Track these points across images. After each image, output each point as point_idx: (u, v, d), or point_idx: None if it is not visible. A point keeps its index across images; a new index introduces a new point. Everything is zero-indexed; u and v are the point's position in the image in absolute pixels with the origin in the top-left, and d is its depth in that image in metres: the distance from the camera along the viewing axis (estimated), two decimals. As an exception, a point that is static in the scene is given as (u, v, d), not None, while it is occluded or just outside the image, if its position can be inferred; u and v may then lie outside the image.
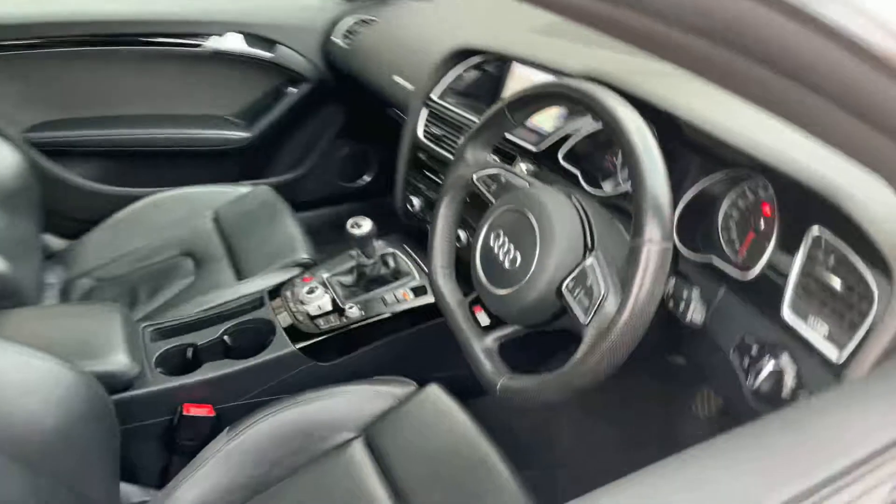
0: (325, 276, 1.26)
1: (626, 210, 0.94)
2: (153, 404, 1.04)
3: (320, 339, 1.15)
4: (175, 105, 1.80)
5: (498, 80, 1.26)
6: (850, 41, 0.39)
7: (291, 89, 1.87)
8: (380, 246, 1.24)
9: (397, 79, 1.48)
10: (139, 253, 1.53)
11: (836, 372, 0.65)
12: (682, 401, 1.34)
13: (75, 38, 1.61)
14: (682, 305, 0.78)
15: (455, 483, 0.95)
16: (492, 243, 0.84)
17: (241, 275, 1.41)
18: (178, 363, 1.12)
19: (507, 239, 0.82)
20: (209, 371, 1.08)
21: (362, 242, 1.17)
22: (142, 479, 1.06)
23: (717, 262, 0.81)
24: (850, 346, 0.65)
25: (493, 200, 0.89)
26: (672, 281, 0.80)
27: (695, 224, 0.87)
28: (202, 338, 1.15)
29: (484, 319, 0.89)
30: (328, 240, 1.58)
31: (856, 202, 0.66)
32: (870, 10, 0.39)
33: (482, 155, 0.94)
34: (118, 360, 1.00)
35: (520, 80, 1.21)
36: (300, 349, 1.14)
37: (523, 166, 1.08)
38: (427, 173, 1.33)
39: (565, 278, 0.75)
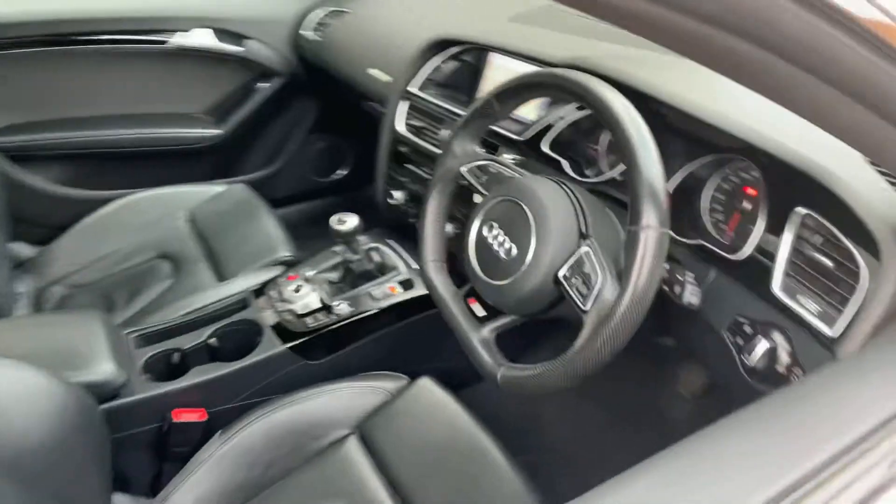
0: (311, 273, 1.25)
1: (612, 196, 0.95)
2: (142, 412, 1.02)
3: (309, 337, 1.14)
4: (143, 104, 1.75)
5: (477, 71, 1.26)
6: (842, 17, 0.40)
7: (262, 84, 1.83)
8: (363, 241, 1.24)
9: (373, 71, 1.47)
10: (113, 257, 1.49)
11: (830, 347, 0.67)
12: (668, 380, 1.37)
13: (36, 39, 1.56)
14: (678, 288, 0.79)
15: (453, 473, 0.95)
16: (486, 235, 0.84)
17: (221, 276, 1.39)
18: (165, 368, 1.10)
19: (501, 230, 0.82)
20: (198, 375, 1.07)
21: (348, 238, 1.16)
22: (134, 489, 1.04)
23: (707, 244, 0.83)
24: (842, 321, 0.67)
25: (484, 192, 0.89)
26: (666, 265, 0.81)
27: (681, 209, 0.89)
28: (188, 342, 1.13)
29: (479, 311, 0.89)
30: (306, 236, 1.56)
31: (843, 183, 0.68)
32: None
33: (470, 146, 0.94)
34: (105, 369, 0.97)
35: (499, 69, 1.21)
36: (290, 348, 1.13)
37: (508, 156, 1.08)
38: (409, 166, 1.32)
39: (562, 266, 0.76)
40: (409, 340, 1.24)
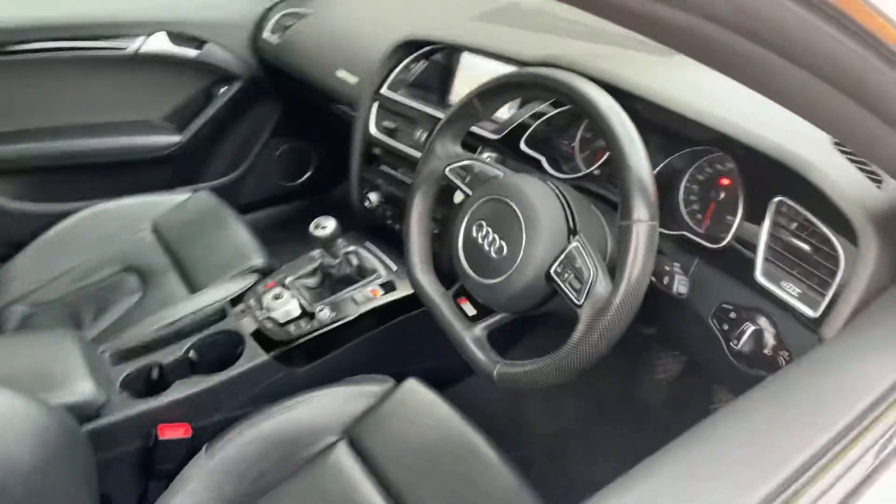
0: (289, 280, 1.23)
1: (591, 191, 0.97)
2: (126, 430, 0.99)
3: (293, 345, 1.13)
4: (99, 113, 1.68)
5: (448, 70, 1.27)
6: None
7: (223, 89, 1.79)
8: (341, 244, 1.23)
9: (341, 73, 1.45)
10: (75, 273, 1.44)
11: (813, 328, 0.70)
12: (646, 367, 1.41)
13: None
14: (667, 279, 0.82)
15: (446, 472, 0.96)
16: (475, 234, 0.85)
17: (193, 287, 1.36)
18: (144, 385, 1.07)
19: (490, 229, 0.83)
20: (180, 390, 1.04)
21: (327, 243, 1.15)
22: (120, 510, 1.01)
23: (688, 234, 0.85)
24: (824, 303, 0.70)
25: (469, 191, 0.90)
26: None
27: (660, 201, 0.91)
28: (166, 356, 1.10)
29: (469, 310, 0.90)
30: (274, 241, 1.54)
31: (817, 171, 0.72)
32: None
33: (452, 147, 0.95)
34: (84, 389, 0.94)
35: (471, 69, 1.22)
36: (273, 357, 1.11)
37: (486, 155, 1.09)
38: (384, 168, 1.32)
39: (553, 263, 0.77)
40: (392, 342, 1.24)
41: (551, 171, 1.02)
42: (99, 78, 1.65)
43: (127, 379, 1.05)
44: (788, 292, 0.74)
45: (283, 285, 1.22)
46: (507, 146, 1.09)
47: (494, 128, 1.11)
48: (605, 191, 0.96)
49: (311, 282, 1.25)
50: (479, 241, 0.84)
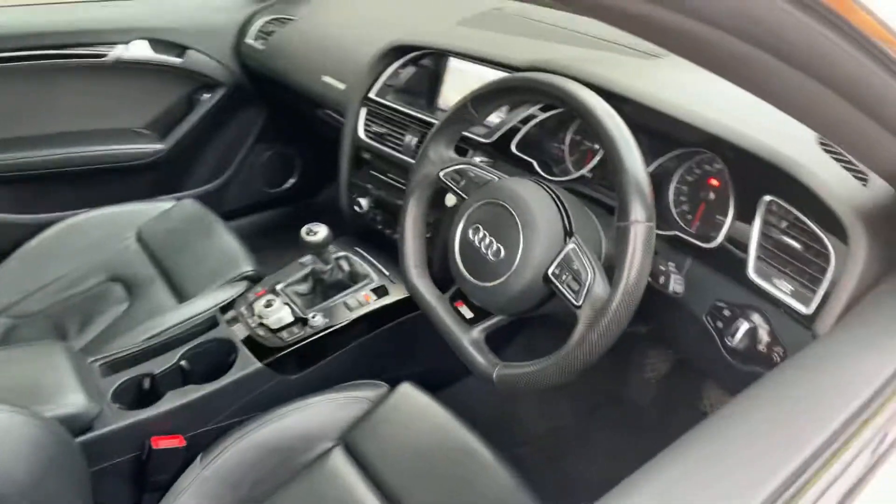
0: (280, 286, 1.23)
1: (583, 193, 0.98)
2: (119, 442, 0.97)
3: (286, 352, 1.12)
4: (80, 121, 1.66)
5: (435, 75, 1.27)
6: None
7: (205, 95, 1.78)
8: (332, 250, 1.22)
9: (327, 79, 1.45)
10: (59, 283, 1.41)
11: (806, 324, 0.72)
12: (635, 367, 1.42)
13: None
14: (663, 279, 0.83)
15: (444, 476, 0.96)
16: (471, 238, 0.85)
17: (181, 296, 1.34)
18: (136, 396, 1.06)
19: (487, 232, 0.83)
20: (173, 400, 1.03)
21: (319, 249, 1.15)
22: (115, 522, 1.00)
23: (681, 235, 0.87)
24: (816, 299, 0.72)
25: (464, 195, 0.90)
26: None
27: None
28: (158, 366, 1.09)
29: (467, 313, 0.90)
30: (260, 248, 1.53)
31: (806, 171, 0.74)
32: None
33: (446, 152, 0.95)
34: (76, 402, 0.93)
35: (459, 74, 1.23)
36: (266, 365, 1.11)
37: (477, 159, 1.10)
38: (374, 173, 1.32)
39: (551, 265, 0.78)
40: (386, 347, 1.24)
41: (542, 174, 1.03)
42: (80, 86, 1.63)
43: (118, 390, 1.04)
44: (781, 289, 0.76)
45: (274, 292, 1.22)
46: (497, 150, 1.10)
47: (485, 132, 1.12)
48: (596, 193, 0.97)
49: (303, 288, 1.24)
50: (476, 244, 0.84)
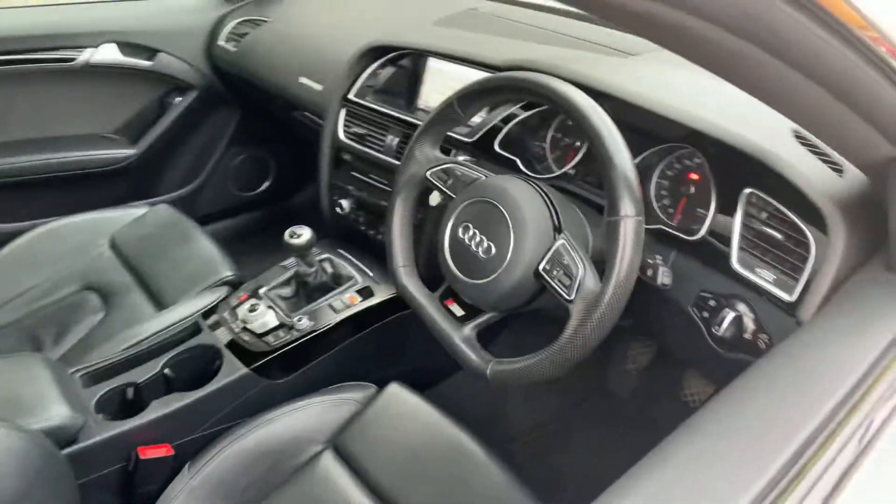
0: (263, 290, 1.22)
1: (567, 190, 1.00)
2: (105, 453, 0.95)
3: (272, 356, 1.11)
4: (48, 127, 1.62)
5: (415, 75, 1.27)
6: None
7: (177, 99, 1.75)
8: (315, 252, 1.22)
9: (304, 80, 1.44)
10: (31, 294, 1.37)
11: (790, 311, 0.74)
12: (617, 358, 1.45)
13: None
14: (650, 271, 0.85)
15: (436, 473, 0.96)
16: (461, 236, 0.86)
17: (160, 303, 1.32)
18: (120, 406, 1.04)
19: (477, 230, 0.84)
20: (159, 408, 1.01)
21: (302, 251, 1.14)
22: (103, 535, 0.98)
23: (665, 228, 0.89)
24: (798, 287, 0.74)
25: (452, 194, 0.91)
26: None
27: None
28: (141, 375, 1.07)
29: (457, 310, 0.91)
30: (235, 252, 1.52)
31: (787, 164, 0.76)
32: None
33: (432, 152, 0.96)
34: (59, 413, 0.90)
35: (439, 74, 1.23)
36: (252, 370, 1.09)
37: (461, 158, 1.10)
38: (355, 174, 1.31)
39: (541, 261, 0.79)
40: (372, 348, 1.23)
41: (526, 172, 1.04)
42: (48, 91, 1.59)
43: (101, 400, 1.01)
44: (764, 278, 0.78)
45: (258, 296, 1.20)
46: (480, 149, 1.11)
47: (467, 131, 1.12)
48: (580, 189, 0.99)
49: (286, 291, 1.23)
50: (466, 242, 0.85)
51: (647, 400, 1.43)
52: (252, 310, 1.14)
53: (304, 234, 1.12)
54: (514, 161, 1.06)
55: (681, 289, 0.86)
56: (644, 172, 0.95)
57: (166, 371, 1.09)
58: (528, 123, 1.08)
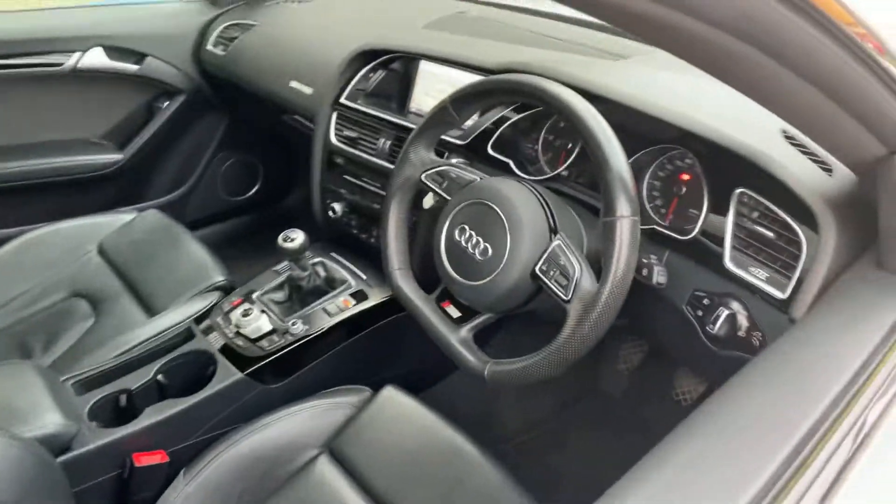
0: (256, 295, 1.21)
1: (560, 191, 1.00)
2: (99, 461, 0.95)
3: (266, 361, 1.11)
4: (35, 133, 1.61)
5: (406, 79, 1.28)
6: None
7: (165, 103, 1.74)
8: (308, 256, 1.21)
9: (295, 84, 1.44)
10: (19, 301, 1.36)
11: (783, 309, 0.76)
12: (609, 358, 1.46)
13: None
14: (646, 270, 0.86)
15: (432, 475, 0.96)
16: (458, 238, 0.86)
17: (151, 310, 1.31)
18: (113, 413, 1.03)
19: (473, 232, 0.85)
20: (153, 415, 1.00)
21: (296, 255, 1.14)
22: (98, 544, 0.97)
23: (658, 228, 0.90)
24: (790, 285, 0.76)
25: (447, 196, 0.91)
26: None
27: None
28: (134, 381, 1.06)
29: (454, 312, 0.91)
30: (226, 257, 1.51)
31: (778, 164, 0.77)
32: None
33: (426, 154, 0.96)
34: (53, 421, 0.89)
35: (430, 77, 1.23)
36: (246, 375, 1.09)
37: (454, 160, 1.11)
38: (347, 177, 1.31)
39: (538, 262, 0.80)
40: (367, 352, 1.23)
41: (519, 174, 1.05)
42: (34, 96, 1.58)
43: (94, 408, 1.01)
44: (757, 277, 0.79)
45: (251, 301, 1.20)
46: (473, 152, 1.11)
47: (460, 134, 1.13)
48: (573, 191, 1.00)
49: (279, 296, 1.23)
50: (463, 244, 0.86)
51: (638, 399, 1.44)
52: (245, 314, 1.14)
53: (297, 237, 1.12)
54: (508, 163, 1.06)
55: (675, 288, 0.87)
56: (636, 174, 0.96)
57: (159, 377, 1.08)
58: (519, 126, 1.09)
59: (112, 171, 1.69)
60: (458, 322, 0.90)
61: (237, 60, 1.64)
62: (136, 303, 1.33)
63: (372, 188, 1.28)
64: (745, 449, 0.51)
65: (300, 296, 1.22)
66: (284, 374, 1.14)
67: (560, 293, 0.77)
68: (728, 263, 0.82)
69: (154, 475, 0.98)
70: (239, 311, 1.15)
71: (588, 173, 1.00)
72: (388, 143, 1.23)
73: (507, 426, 1.45)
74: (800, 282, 0.75)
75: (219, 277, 1.33)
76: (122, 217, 1.53)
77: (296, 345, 1.13)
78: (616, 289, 0.72)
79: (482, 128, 1.10)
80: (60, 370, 1.12)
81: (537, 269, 0.80)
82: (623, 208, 0.72)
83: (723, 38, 0.46)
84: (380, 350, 1.26)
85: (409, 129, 1.19)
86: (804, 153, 0.81)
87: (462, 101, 0.90)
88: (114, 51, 1.61)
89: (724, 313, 0.81)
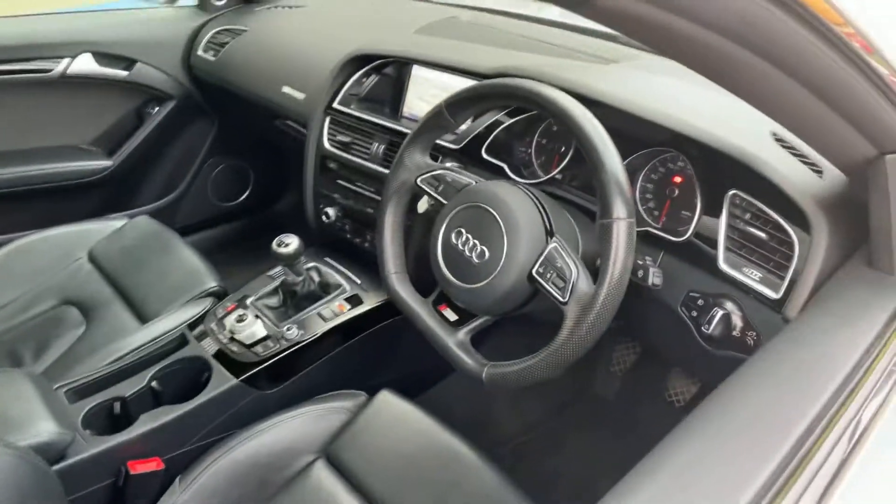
0: (251, 300, 1.21)
1: (554, 195, 1.01)
2: (94, 469, 0.94)
3: (262, 367, 1.10)
4: (23, 139, 1.59)
5: (399, 83, 1.28)
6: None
7: (155, 109, 1.74)
8: (302, 261, 1.21)
9: (287, 89, 1.44)
10: (9, 309, 1.35)
11: (777, 308, 0.77)
12: (602, 360, 1.47)
13: None
14: (641, 272, 0.87)
15: (430, 479, 0.96)
16: (454, 241, 0.87)
17: (143, 316, 1.30)
18: (107, 421, 1.02)
19: (470, 235, 0.85)
20: (147, 422, 1.00)
21: (291, 260, 1.14)
22: (93, 553, 0.96)
23: (652, 230, 0.91)
24: (783, 285, 0.77)
25: (443, 200, 0.92)
26: None
27: None
28: (127, 389, 1.05)
29: (451, 315, 0.91)
30: (217, 263, 1.50)
31: (770, 166, 0.78)
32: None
33: (422, 158, 0.96)
34: (47, 430, 0.88)
35: (423, 82, 1.24)
36: (242, 381, 1.08)
37: (449, 164, 1.11)
38: (340, 182, 1.31)
39: (535, 264, 0.80)
40: (362, 356, 1.23)
41: (514, 177, 1.06)
42: (23, 102, 1.57)
43: (88, 416, 1.00)
44: (750, 277, 0.80)
45: (245, 306, 1.19)
46: (467, 156, 1.12)
47: (454, 138, 1.13)
48: (568, 194, 1.01)
49: (273, 301, 1.23)
50: (460, 247, 0.86)
51: (632, 400, 1.45)
52: (240, 320, 1.13)
53: (292, 242, 1.11)
54: (502, 167, 1.07)
55: (669, 289, 0.88)
56: (629, 177, 0.97)
57: (153, 384, 1.08)
58: (513, 130, 1.10)
59: (101, 178, 1.68)
60: (455, 325, 0.90)
61: (228, 66, 1.64)
62: (128, 310, 1.32)
63: (365, 193, 1.28)
64: (744, 450, 0.51)
65: (294, 301, 1.21)
66: (280, 379, 1.13)
67: (557, 295, 0.77)
68: (722, 264, 0.83)
69: (149, 482, 0.97)
70: (233, 316, 1.15)
71: (582, 176, 1.01)
72: (382, 147, 1.23)
73: (503, 429, 1.45)
74: (793, 282, 0.76)
75: (212, 283, 1.32)
76: (112, 223, 1.52)
77: (291, 350, 1.13)
78: (613, 290, 0.73)
79: (476, 132, 1.11)
80: (52, 378, 1.11)
81: (534, 271, 0.80)
82: (619, 210, 0.73)
83: (716, 40, 0.47)
84: (375, 354, 1.26)
85: (402, 134, 1.19)
86: (795, 155, 0.82)
87: (457, 106, 0.90)
88: (103, 57, 1.61)
89: (719, 313, 0.82)
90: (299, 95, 1.42)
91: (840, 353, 0.62)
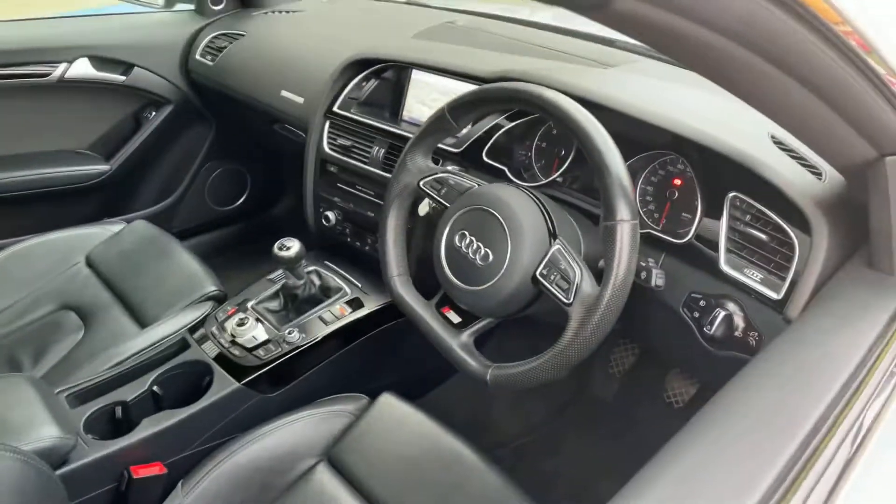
0: (252, 304, 1.21)
1: (555, 197, 1.02)
2: (97, 474, 0.93)
3: (263, 370, 1.10)
4: (20, 144, 1.59)
5: (398, 87, 1.29)
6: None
7: (152, 113, 1.73)
8: (303, 264, 1.21)
9: (286, 94, 1.44)
10: (7, 314, 1.34)
11: (778, 309, 0.78)
12: (601, 361, 1.47)
13: None
14: (644, 274, 0.87)
15: (432, 481, 0.97)
16: (458, 244, 0.87)
17: (143, 321, 1.29)
18: (109, 425, 1.02)
19: (473, 238, 0.86)
20: (149, 427, 0.99)
21: (292, 264, 1.14)
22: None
23: (654, 232, 0.92)
24: (784, 286, 0.78)
25: (446, 203, 0.92)
26: None
27: None
28: (129, 393, 1.05)
29: (454, 318, 0.92)
30: (215, 267, 1.50)
31: (771, 169, 0.79)
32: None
33: (424, 162, 0.97)
34: (50, 434, 0.88)
35: (423, 86, 1.24)
36: (244, 384, 1.08)
37: (450, 167, 1.12)
38: (341, 185, 1.32)
39: (538, 266, 0.81)
40: (364, 359, 1.23)
41: (515, 180, 1.06)
42: (21, 106, 1.56)
43: (90, 420, 1.00)
44: (752, 278, 0.81)
45: (245, 310, 1.19)
46: (468, 159, 1.12)
47: (454, 142, 1.14)
48: (569, 196, 1.01)
49: (274, 305, 1.23)
50: (464, 249, 0.86)
51: (630, 402, 1.46)
52: (241, 324, 1.13)
53: (293, 246, 1.12)
54: (503, 170, 1.08)
55: (671, 290, 0.88)
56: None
57: (155, 388, 1.07)
58: (513, 133, 1.10)
59: (99, 182, 1.68)
60: (459, 327, 0.91)
61: (226, 70, 1.64)
62: (127, 314, 1.32)
63: (366, 196, 1.28)
64: (749, 453, 0.52)
65: (295, 304, 1.22)
66: (281, 382, 1.13)
67: (561, 297, 0.78)
68: (723, 266, 0.84)
69: (152, 487, 0.97)
70: (234, 320, 1.15)
71: (582, 179, 1.02)
72: (382, 151, 1.24)
73: (504, 430, 1.46)
74: (794, 283, 0.77)
75: (211, 287, 1.32)
76: (109, 228, 1.51)
77: (292, 353, 1.13)
78: (617, 291, 0.74)
79: (476, 135, 1.11)
80: (52, 383, 1.10)
81: (538, 273, 0.81)
82: (623, 212, 0.74)
83: (718, 41, 0.47)
84: (376, 357, 1.26)
85: (402, 138, 1.20)
86: (793, 157, 0.83)
87: (459, 109, 0.91)
88: (101, 61, 1.60)
89: (721, 314, 0.82)
90: (299, 100, 1.42)
91: (842, 353, 0.62)
